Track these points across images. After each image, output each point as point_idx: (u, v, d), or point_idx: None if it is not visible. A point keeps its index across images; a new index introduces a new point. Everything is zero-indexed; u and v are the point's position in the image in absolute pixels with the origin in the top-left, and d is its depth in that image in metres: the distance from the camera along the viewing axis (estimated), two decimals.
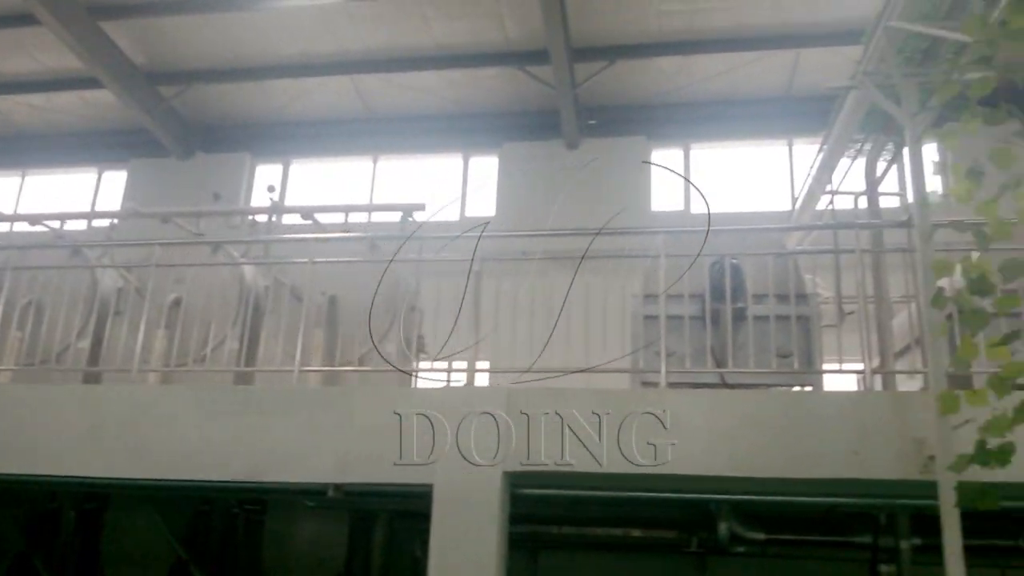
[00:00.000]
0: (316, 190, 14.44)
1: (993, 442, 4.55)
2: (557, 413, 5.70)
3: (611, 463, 5.59)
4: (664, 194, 13.22)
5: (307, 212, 9.00)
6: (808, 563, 7.06)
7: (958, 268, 4.65)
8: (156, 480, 6.19)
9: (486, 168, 13.97)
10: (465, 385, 6.05)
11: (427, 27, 12.33)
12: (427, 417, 5.80)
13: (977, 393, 4.55)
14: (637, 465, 5.54)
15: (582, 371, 6.00)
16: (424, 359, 7.72)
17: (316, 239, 7.15)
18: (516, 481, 5.97)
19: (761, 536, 6.78)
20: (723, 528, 6.69)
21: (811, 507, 6.58)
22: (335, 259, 7.13)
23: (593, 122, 13.35)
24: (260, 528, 8.62)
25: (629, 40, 12.27)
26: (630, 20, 11.89)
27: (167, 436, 6.19)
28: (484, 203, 13.66)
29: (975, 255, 5.11)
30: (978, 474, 4.68)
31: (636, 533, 8.76)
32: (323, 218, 9.06)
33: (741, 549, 6.92)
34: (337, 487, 6.16)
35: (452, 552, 5.53)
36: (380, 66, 13.10)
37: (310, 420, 6.07)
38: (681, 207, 13.05)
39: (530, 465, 5.65)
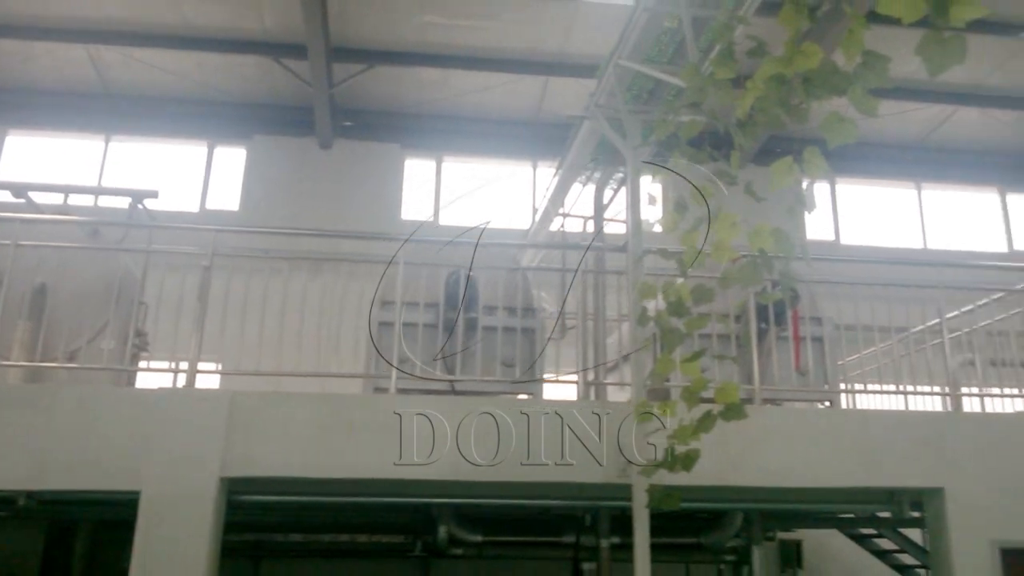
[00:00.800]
0: (35, 166, 12.97)
1: (680, 449, 5.01)
2: (282, 418, 5.53)
3: (337, 468, 5.51)
4: (415, 204, 13.32)
5: (19, 189, 8.03)
6: (522, 563, 7.39)
7: (660, 292, 5.10)
8: None
9: (233, 159, 13.31)
10: (185, 387, 5.68)
11: (177, 4, 11.53)
12: (140, 419, 5.40)
13: (668, 404, 5.00)
14: (365, 469, 5.52)
15: (311, 375, 5.88)
16: (145, 358, 7.18)
17: (23, 219, 6.39)
18: (235, 487, 5.70)
19: (479, 538, 7.00)
20: (443, 531, 6.84)
21: (525, 510, 6.90)
22: (46, 243, 6.43)
23: (349, 124, 13.17)
24: None
25: (389, 46, 12.25)
26: (391, 26, 11.88)
27: None
28: (227, 196, 12.99)
29: (680, 281, 5.61)
30: (669, 478, 5.14)
31: (362, 539, 8.73)
32: (39, 198, 8.14)
33: (460, 551, 7.11)
34: (30, 494, 5.56)
35: (158, 563, 5.15)
36: (121, 39, 12.04)
37: (2, 420, 5.41)
38: (431, 217, 13.22)
39: (250, 471, 5.43)
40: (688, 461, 4.97)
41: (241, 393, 5.56)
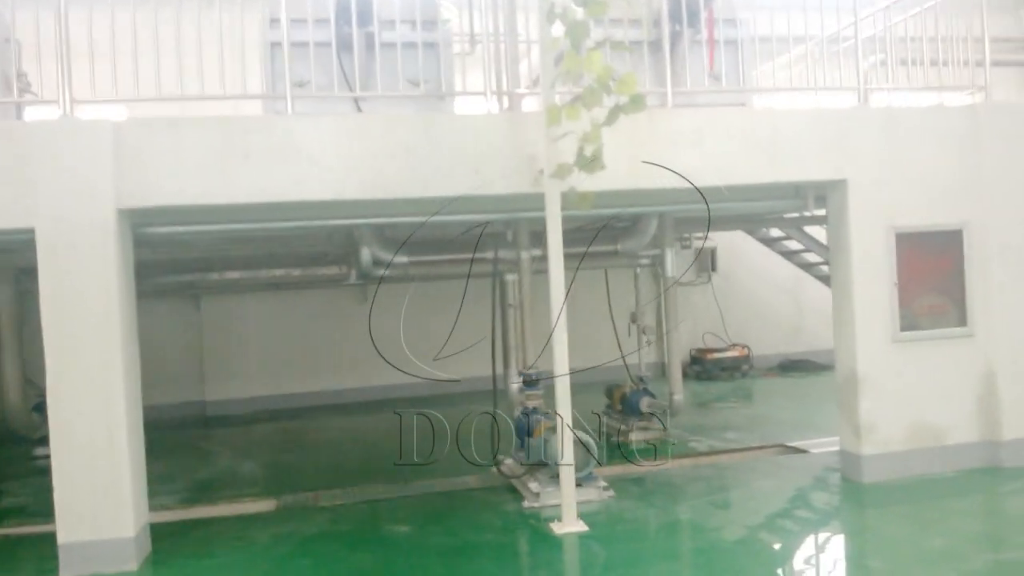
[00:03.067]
0: None
1: (588, 149, 4.70)
2: (175, 145, 5.00)
3: (240, 192, 5.09)
4: None
5: None
6: (450, 281, 7.30)
7: None
8: None
9: None
10: (62, 118, 5.01)
11: None
12: (21, 155, 4.82)
13: (573, 106, 4.61)
14: (268, 193, 5.12)
15: (203, 98, 5.28)
16: (30, 98, 6.41)
17: None
18: (137, 220, 5.29)
19: (404, 259, 6.81)
20: (366, 253, 6.61)
21: (444, 227, 6.63)
22: None
23: None
24: None
25: None
26: None
27: None
28: None
29: None
30: (583, 185, 4.87)
31: (296, 273, 8.59)
32: None
33: (384, 272, 6.93)
34: None
35: (67, 298, 4.83)
36: None
37: None
38: None
39: (148, 201, 4.98)
40: (595, 161, 4.68)
41: (126, 123, 4.97)
